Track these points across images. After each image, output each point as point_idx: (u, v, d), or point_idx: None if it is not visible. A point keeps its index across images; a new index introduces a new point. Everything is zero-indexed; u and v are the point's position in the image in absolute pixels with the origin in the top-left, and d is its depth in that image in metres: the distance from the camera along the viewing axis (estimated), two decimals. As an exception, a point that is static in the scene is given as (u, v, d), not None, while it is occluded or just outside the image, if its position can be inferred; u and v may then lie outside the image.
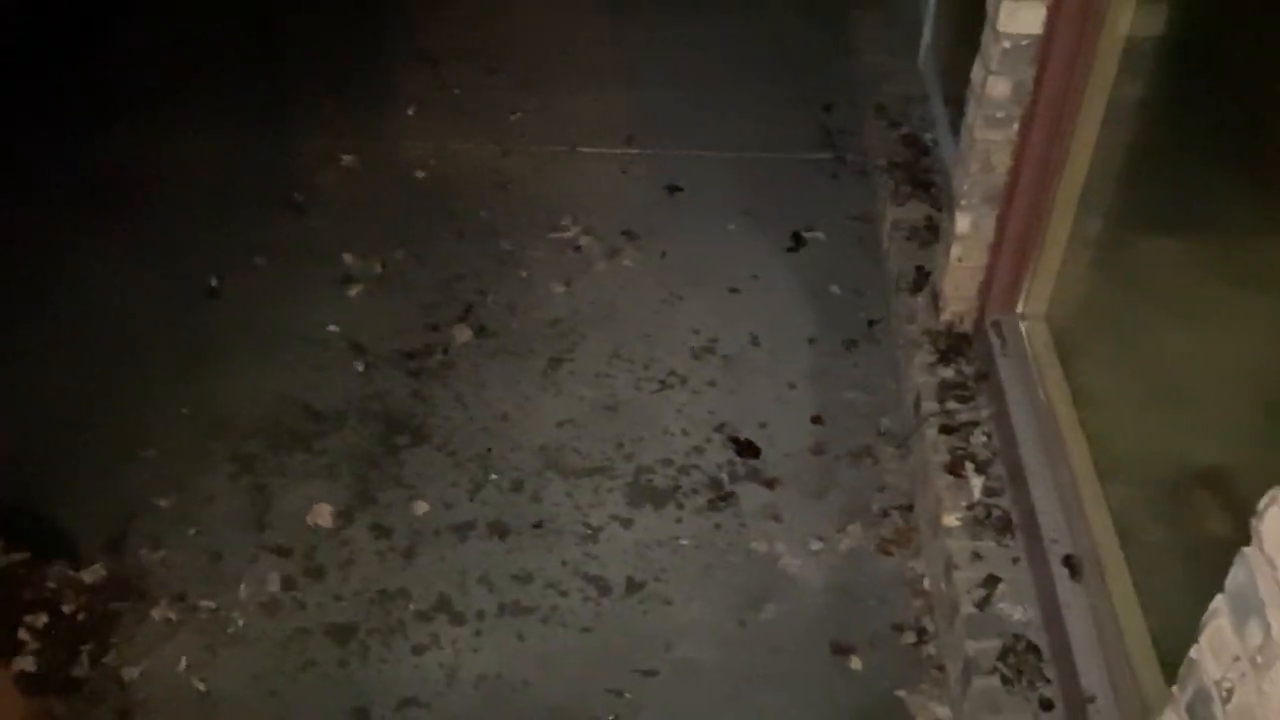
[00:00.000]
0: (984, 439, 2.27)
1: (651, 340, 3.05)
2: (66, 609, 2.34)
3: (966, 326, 2.51)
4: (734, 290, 3.21)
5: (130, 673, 2.25)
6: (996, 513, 2.11)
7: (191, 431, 2.77)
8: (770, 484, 2.63)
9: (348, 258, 3.31)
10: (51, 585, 2.36)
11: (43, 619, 2.30)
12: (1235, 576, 1.02)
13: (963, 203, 2.32)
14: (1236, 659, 1.01)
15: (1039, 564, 1.96)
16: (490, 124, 3.86)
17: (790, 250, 3.35)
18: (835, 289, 3.20)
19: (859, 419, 2.80)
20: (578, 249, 3.37)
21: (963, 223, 2.34)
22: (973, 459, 2.21)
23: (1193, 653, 1.10)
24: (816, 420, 2.80)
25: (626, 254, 3.35)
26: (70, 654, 2.27)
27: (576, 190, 3.61)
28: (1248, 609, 1.00)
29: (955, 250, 2.39)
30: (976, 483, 2.16)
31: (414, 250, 3.35)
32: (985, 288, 2.42)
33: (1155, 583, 1.81)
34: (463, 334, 3.06)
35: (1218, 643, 1.05)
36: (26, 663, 2.22)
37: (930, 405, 2.37)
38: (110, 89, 3.96)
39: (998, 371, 2.31)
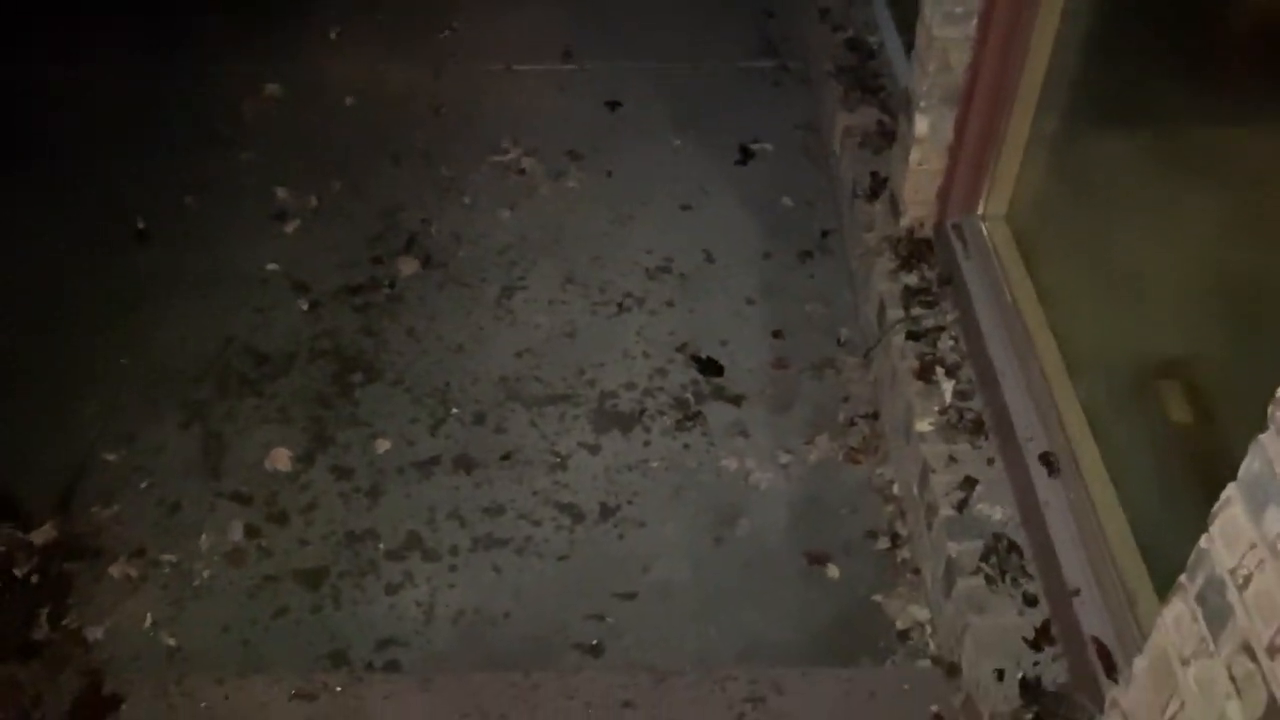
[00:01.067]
0: (951, 343, 2.26)
1: (604, 263, 2.99)
2: (18, 572, 2.24)
3: (927, 231, 2.49)
4: (684, 207, 3.16)
5: (93, 633, 2.17)
6: (969, 415, 2.11)
7: (134, 382, 2.66)
8: (736, 401, 2.61)
9: (281, 192, 3.17)
10: (0, 548, 2.26)
11: (-6, 584, 2.21)
12: (1250, 465, 1.02)
13: (921, 104, 2.28)
14: (1253, 546, 1.01)
15: (1015, 463, 1.97)
16: (419, 44, 3.71)
17: (738, 163, 3.30)
18: (787, 201, 3.16)
19: (818, 331, 2.79)
20: (521, 172, 3.28)
21: (921, 125, 2.31)
22: (941, 363, 2.21)
23: (1203, 542, 1.10)
24: (777, 334, 2.78)
25: (571, 175, 3.26)
26: (27, 617, 2.18)
27: (514, 110, 3.50)
28: (1265, 497, 1.00)
29: (914, 154, 2.36)
30: (947, 387, 2.16)
31: (350, 181, 3.23)
32: (945, 191, 2.39)
33: (1130, 474, 1.83)
34: (409, 266, 2.97)
35: (1231, 532, 1.05)
36: (-19, 630, 2.13)
37: (895, 312, 2.35)
38: None
39: (961, 274, 2.30)
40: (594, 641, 2.17)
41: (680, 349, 2.74)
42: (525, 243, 3.05)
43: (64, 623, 2.19)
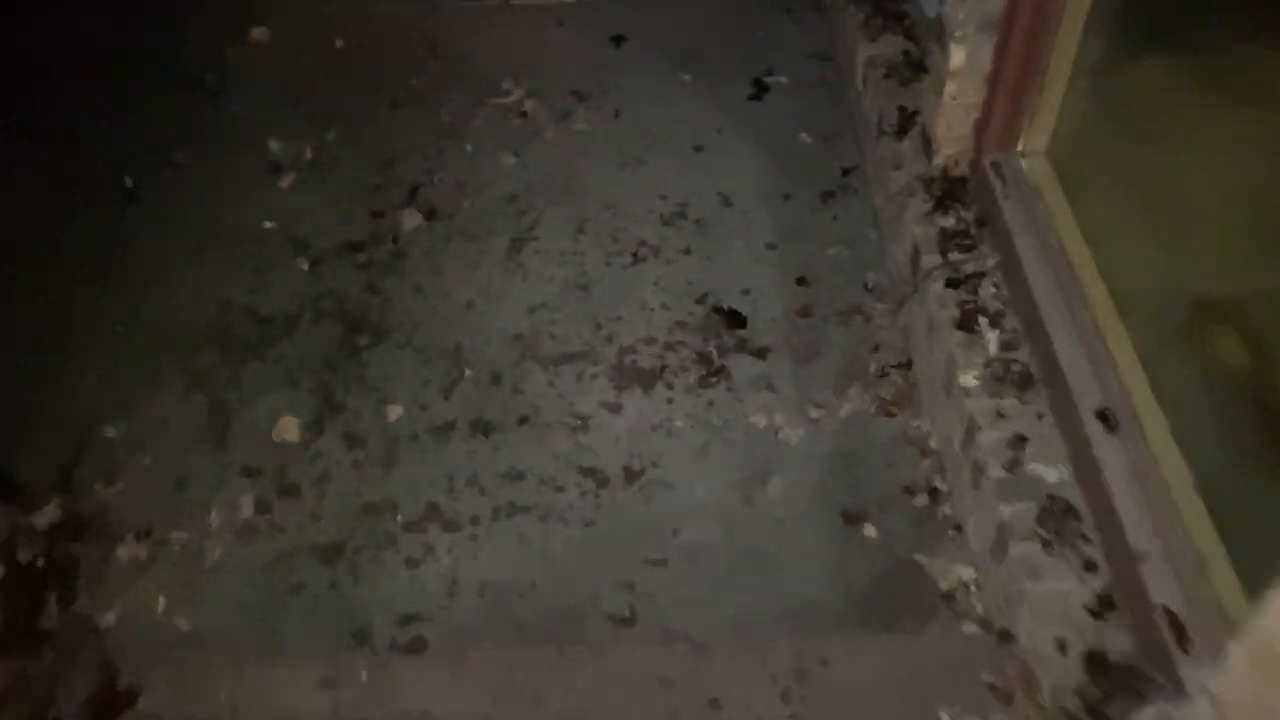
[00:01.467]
0: (993, 290, 2.14)
1: (617, 210, 2.85)
2: (23, 557, 2.14)
3: (962, 169, 2.35)
4: (698, 148, 3.01)
5: (104, 619, 2.09)
6: (1015, 367, 2.00)
7: (131, 350, 2.54)
8: (761, 353, 2.50)
9: (274, 144, 3.02)
10: (2, 533, 2.16)
11: (-2, 571, 2.11)
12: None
13: (957, 34, 2.13)
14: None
15: (1069, 419, 1.86)
16: (411, -19, 3.52)
17: (752, 99, 3.14)
18: (805, 137, 3.02)
19: (844, 276, 2.67)
20: (524, 115, 3.12)
21: (957, 56, 2.16)
22: (984, 312, 2.09)
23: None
24: (800, 281, 2.65)
25: (578, 117, 3.11)
26: (35, 604, 2.09)
27: (513, 49, 3.33)
28: None
29: (949, 87, 2.21)
30: (991, 337, 2.05)
31: (345, 130, 3.08)
32: (981, 126, 2.25)
33: (1194, 428, 1.73)
34: (412, 219, 2.83)
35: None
36: (-12, 620, 2.04)
37: (931, 258, 2.23)
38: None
39: (1001, 216, 2.17)
40: (626, 612, 2.09)
41: (700, 300, 2.62)
42: (532, 190, 2.91)
43: (74, 608, 2.11)
